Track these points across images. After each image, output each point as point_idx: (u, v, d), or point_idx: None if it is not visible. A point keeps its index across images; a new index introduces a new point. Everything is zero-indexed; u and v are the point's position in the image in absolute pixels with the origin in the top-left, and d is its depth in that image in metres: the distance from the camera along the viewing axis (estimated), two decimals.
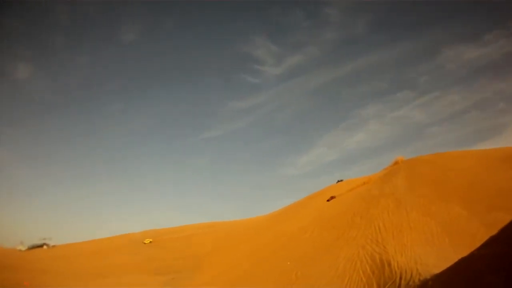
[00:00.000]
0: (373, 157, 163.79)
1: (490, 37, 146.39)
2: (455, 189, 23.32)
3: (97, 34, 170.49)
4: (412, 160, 38.98)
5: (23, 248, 78.39)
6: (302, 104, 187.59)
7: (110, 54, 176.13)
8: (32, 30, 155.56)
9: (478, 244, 8.75)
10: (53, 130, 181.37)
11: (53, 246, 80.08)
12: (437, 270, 11.50)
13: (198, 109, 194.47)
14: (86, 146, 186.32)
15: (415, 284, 12.55)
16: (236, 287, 27.34)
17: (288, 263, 26.86)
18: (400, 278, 13.96)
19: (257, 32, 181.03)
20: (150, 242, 66.85)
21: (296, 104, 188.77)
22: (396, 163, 41.36)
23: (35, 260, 54.40)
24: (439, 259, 13.70)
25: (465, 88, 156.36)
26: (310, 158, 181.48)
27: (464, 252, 9.26)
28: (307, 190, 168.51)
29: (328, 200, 46.57)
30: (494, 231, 8.27)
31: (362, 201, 30.01)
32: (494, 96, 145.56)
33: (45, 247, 78.94)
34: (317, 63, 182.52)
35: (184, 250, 52.58)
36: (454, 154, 35.05)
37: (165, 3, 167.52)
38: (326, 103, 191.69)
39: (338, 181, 58.34)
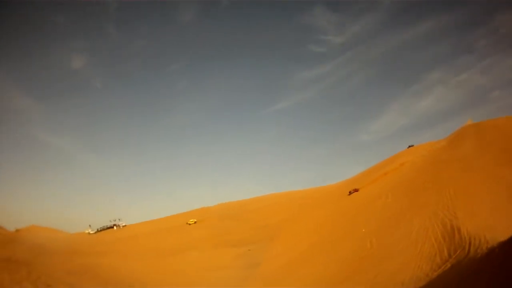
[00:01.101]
0: (441, 122, 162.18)
1: None
2: None
3: (153, 17, 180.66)
4: (480, 124, 37.02)
5: (91, 231, 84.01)
6: (368, 71, 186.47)
7: (168, 35, 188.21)
8: (84, 21, 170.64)
9: None
10: (115, 115, 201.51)
11: (124, 226, 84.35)
12: (504, 237, 11.91)
13: (266, 82, 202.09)
14: (153, 128, 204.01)
15: (482, 251, 13.68)
16: (311, 256, 28.46)
17: (363, 230, 28.56)
18: (470, 245, 15.03)
19: (317, 2, 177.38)
20: (195, 222, 68.27)
21: (362, 71, 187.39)
22: (464, 127, 39.52)
23: (108, 241, 60.48)
24: (507, 226, 14.55)
25: None
26: (380, 124, 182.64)
27: None
28: (378, 156, 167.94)
29: (350, 193, 48.05)
30: None
31: (432, 166, 30.05)
32: None
33: (115, 227, 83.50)
34: (379, 30, 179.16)
35: (260, 221, 54.15)
36: None
37: None
38: (392, 69, 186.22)
39: (409, 146, 57.91)
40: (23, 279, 17.41)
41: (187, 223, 67.51)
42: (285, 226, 44.37)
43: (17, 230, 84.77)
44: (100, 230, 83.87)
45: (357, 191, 46.93)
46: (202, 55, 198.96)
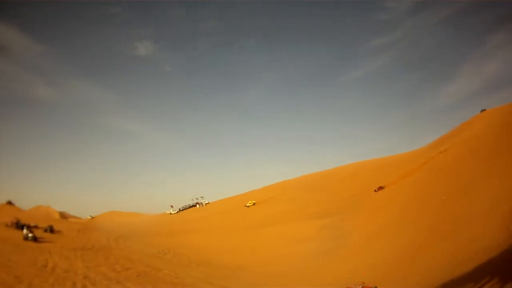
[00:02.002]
0: None
1: None
2: None
3: None
4: None
5: (173, 211, 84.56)
6: (436, 35, 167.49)
7: (239, 14, 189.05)
8: (145, 8, 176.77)
9: None
10: (188, 96, 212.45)
11: (206, 203, 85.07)
12: None
13: (336, 53, 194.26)
14: (228, 106, 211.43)
15: None
16: (394, 226, 27.96)
17: (443, 197, 28.00)
18: None
19: None
20: (253, 204, 65.26)
21: (430, 35, 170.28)
22: None
23: (190, 220, 63.23)
24: None
25: None
26: (453, 89, 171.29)
27: None
28: (453, 121, 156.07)
29: (375, 190, 46.63)
30: None
31: (508, 131, 27.59)
32: None
33: (198, 206, 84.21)
34: None
35: (341, 191, 52.76)
36: None
37: None
38: (459, 32, 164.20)
39: (482, 110, 53.35)
40: (100, 265, 18.85)
41: (245, 206, 65.56)
42: (366, 196, 43.75)
43: (92, 218, 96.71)
44: (182, 210, 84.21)
45: (382, 188, 46.54)
46: (273, 30, 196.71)
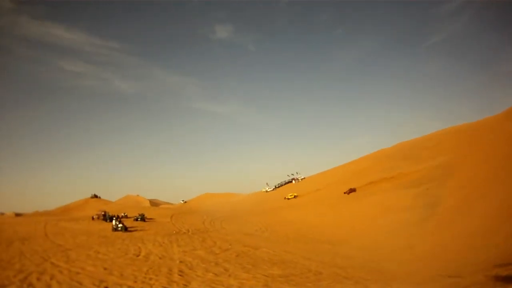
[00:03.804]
0: None
1: None
2: None
3: None
4: None
5: (269, 189, 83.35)
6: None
7: None
8: None
9: None
10: (272, 74, 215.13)
11: (303, 178, 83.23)
12: None
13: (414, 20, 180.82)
14: (312, 77, 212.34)
15: None
16: (486, 189, 24.31)
17: None
18: None
19: None
20: (295, 196, 62.29)
21: None
22: None
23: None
24: None
25: None
26: None
27: None
28: None
29: (345, 193, 49.18)
30: None
31: None
32: None
33: (294, 181, 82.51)
34: None
35: (436, 158, 49.67)
36: None
37: None
38: None
39: None
40: (196, 248, 18.01)
41: (285, 198, 63.01)
42: (460, 161, 39.82)
43: (185, 202, 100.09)
44: (278, 187, 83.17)
45: (353, 191, 48.91)
46: (349, 3, 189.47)
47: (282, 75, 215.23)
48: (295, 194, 63.85)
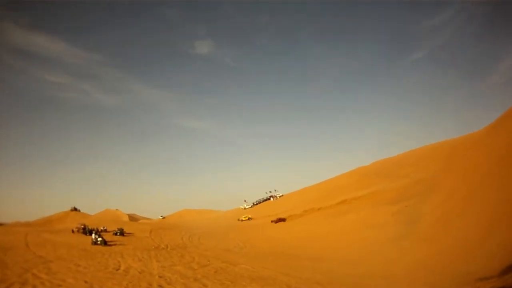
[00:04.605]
0: None
1: None
2: None
3: None
4: None
5: (247, 206, 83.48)
6: (491, 10, 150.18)
7: (292, 9, 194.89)
8: (199, 10, 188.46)
9: None
10: (253, 89, 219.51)
11: (281, 196, 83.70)
12: None
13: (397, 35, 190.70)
14: (295, 96, 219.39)
15: None
16: (466, 206, 23.62)
17: None
18: None
19: None
20: (248, 219, 63.02)
21: (483, 10, 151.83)
22: None
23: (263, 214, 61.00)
24: None
25: None
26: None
27: None
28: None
29: (273, 221, 49.46)
30: None
31: None
32: None
33: (272, 199, 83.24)
34: None
35: (415, 175, 50.63)
36: None
37: None
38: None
39: None
40: (175, 264, 18.29)
41: (238, 219, 63.64)
42: (439, 178, 39.51)
43: (163, 218, 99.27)
44: (256, 204, 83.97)
45: (282, 220, 49.25)
46: (324, 23, 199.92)
47: (261, 91, 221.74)
48: (249, 216, 64.57)
